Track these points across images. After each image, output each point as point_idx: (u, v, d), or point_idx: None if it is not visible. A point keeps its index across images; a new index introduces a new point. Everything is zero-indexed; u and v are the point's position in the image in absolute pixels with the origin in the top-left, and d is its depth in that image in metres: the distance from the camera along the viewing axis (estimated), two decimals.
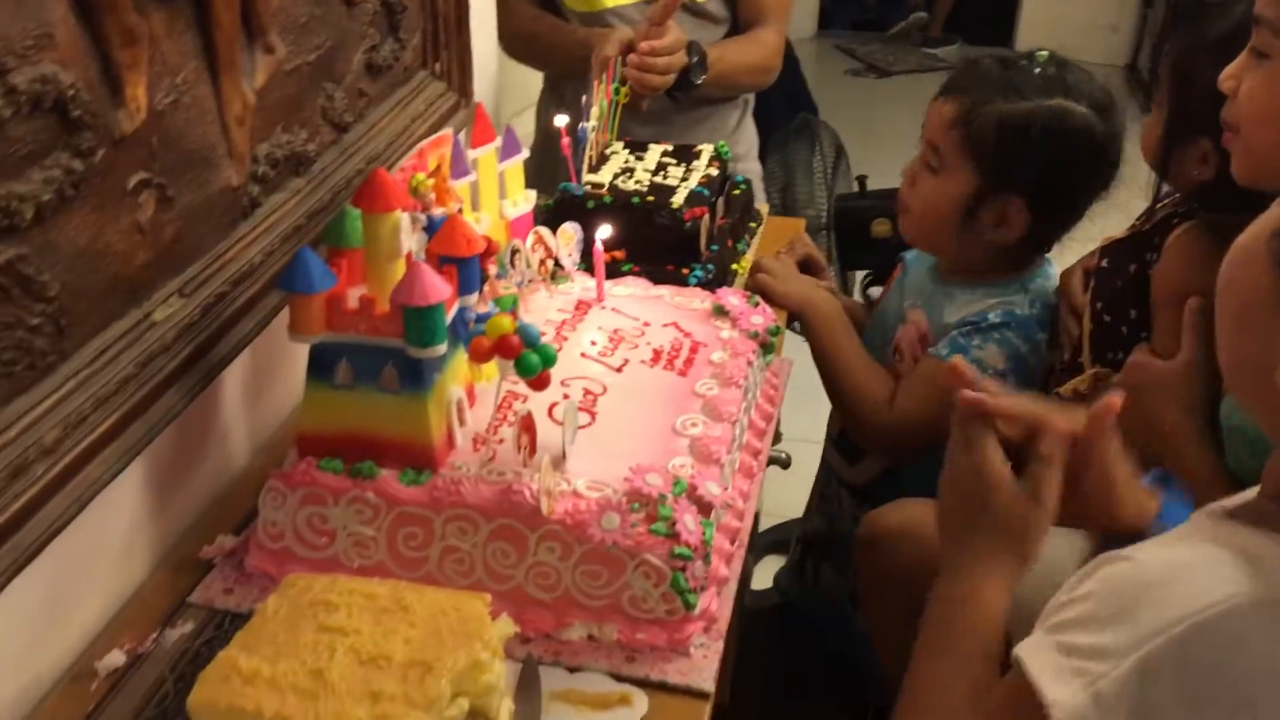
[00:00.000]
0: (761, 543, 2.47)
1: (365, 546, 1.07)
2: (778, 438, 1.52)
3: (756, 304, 1.39)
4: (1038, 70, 1.46)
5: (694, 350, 1.29)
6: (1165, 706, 0.64)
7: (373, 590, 0.94)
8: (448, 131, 1.29)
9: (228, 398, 1.21)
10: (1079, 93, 1.45)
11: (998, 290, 1.52)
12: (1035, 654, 0.73)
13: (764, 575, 2.40)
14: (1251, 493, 0.76)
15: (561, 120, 1.56)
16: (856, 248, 2.41)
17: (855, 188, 2.78)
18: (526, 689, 0.98)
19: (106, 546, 1.05)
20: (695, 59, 1.84)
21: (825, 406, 1.72)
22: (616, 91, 1.75)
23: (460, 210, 1.21)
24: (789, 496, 2.41)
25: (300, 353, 1.09)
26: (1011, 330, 1.49)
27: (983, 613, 0.91)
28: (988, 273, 1.54)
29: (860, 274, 2.44)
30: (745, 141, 2.15)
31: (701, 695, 1.00)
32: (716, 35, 1.99)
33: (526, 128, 2.14)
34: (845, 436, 1.72)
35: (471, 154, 1.30)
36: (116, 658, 1.00)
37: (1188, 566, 0.67)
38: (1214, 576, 0.65)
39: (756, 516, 1.43)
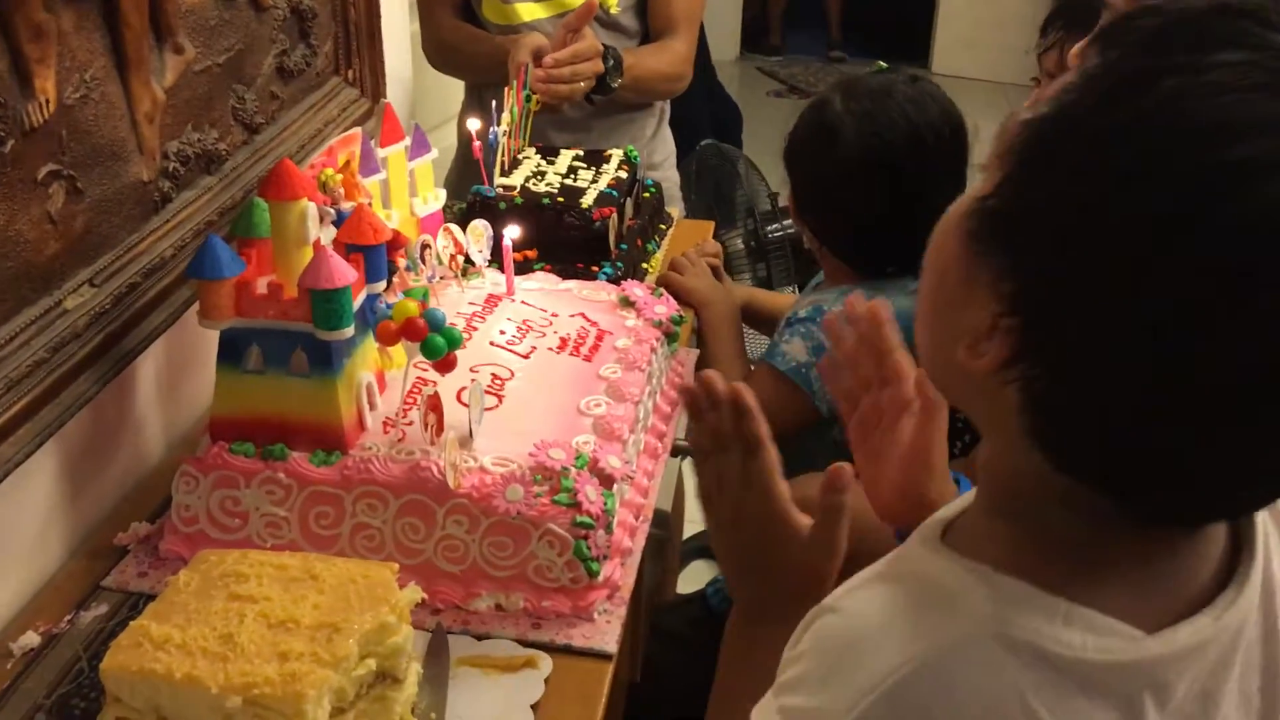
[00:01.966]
0: (687, 549, 2.51)
1: (278, 527, 1.10)
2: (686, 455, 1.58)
3: (660, 295, 1.44)
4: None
5: (600, 338, 1.34)
6: None
7: (283, 561, 0.97)
8: (357, 130, 1.33)
9: (142, 390, 1.23)
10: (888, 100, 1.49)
11: (823, 294, 1.57)
12: (759, 715, 0.68)
13: (692, 581, 2.44)
14: (970, 498, 0.71)
15: (474, 125, 1.61)
16: (791, 273, 2.46)
17: (767, 206, 2.86)
18: (435, 655, 1.02)
19: (21, 532, 1.07)
20: (611, 63, 1.90)
21: None
22: (528, 99, 1.80)
23: (369, 204, 1.25)
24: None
25: (211, 351, 1.12)
26: (816, 322, 1.48)
27: (762, 664, 0.76)
28: (837, 279, 1.58)
29: None
30: (662, 150, 2.21)
31: (604, 657, 1.04)
32: (615, 43, 2.06)
33: (451, 139, 2.18)
34: None
35: (381, 152, 1.35)
36: (31, 638, 1.02)
37: (889, 618, 0.64)
38: (915, 626, 0.63)
39: (682, 523, 1.48)
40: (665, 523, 1.31)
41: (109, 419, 1.17)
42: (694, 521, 2.63)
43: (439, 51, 2.10)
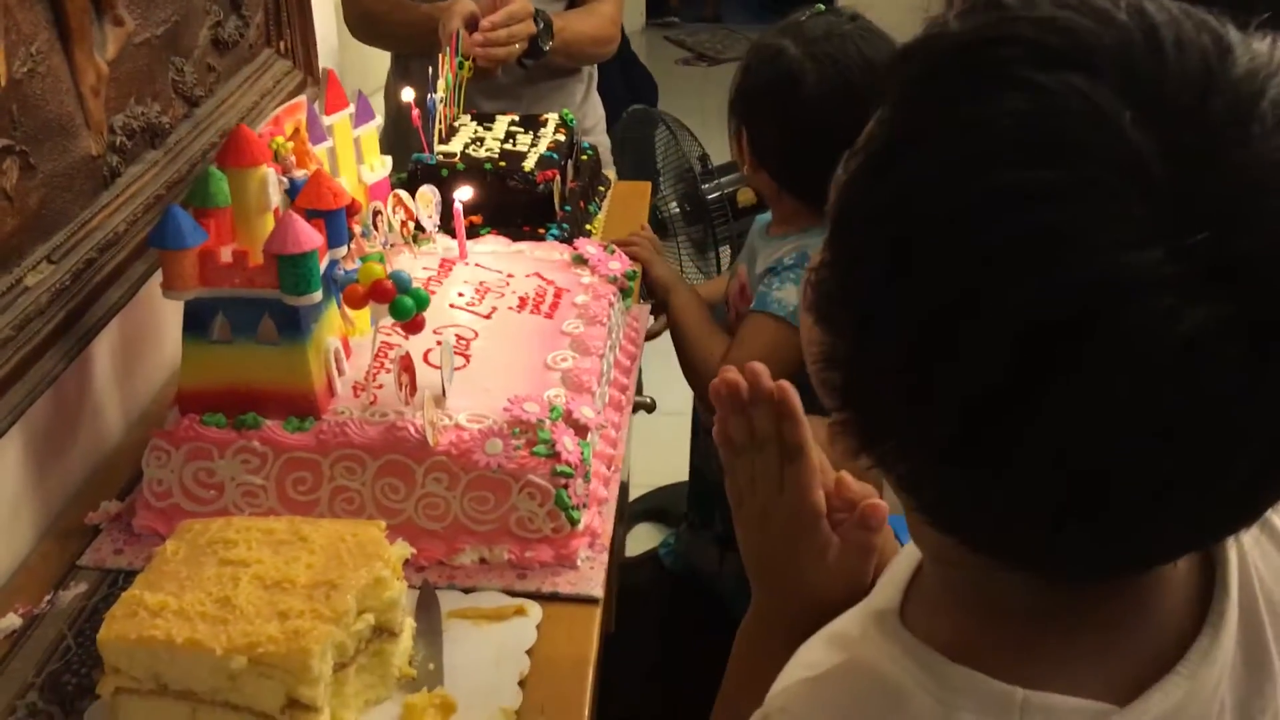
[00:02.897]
0: (632, 511, 2.54)
1: (254, 495, 1.10)
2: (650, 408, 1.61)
3: (613, 251, 1.46)
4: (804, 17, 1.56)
5: (558, 295, 1.35)
6: None
7: (269, 525, 0.97)
8: (301, 98, 1.32)
9: (100, 367, 1.22)
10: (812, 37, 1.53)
11: (798, 237, 1.60)
12: None
13: (638, 543, 2.47)
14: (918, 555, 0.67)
15: (409, 94, 1.60)
16: (711, 221, 2.48)
17: (699, 167, 2.88)
18: (426, 609, 1.03)
19: None
20: (542, 26, 1.91)
21: None
22: (461, 65, 1.79)
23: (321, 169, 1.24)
24: (659, 464, 2.50)
25: (169, 324, 1.11)
26: (804, 268, 1.56)
27: (765, 674, 0.74)
28: (797, 221, 1.61)
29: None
30: (593, 115, 2.23)
31: (591, 601, 1.06)
32: (557, 10, 2.06)
33: (376, 108, 2.16)
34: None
35: (326, 120, 1.34)
36: (12, 620, 1.01)
37: (829, 700, 0.63)
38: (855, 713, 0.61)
39: (627, 487, 1.50)
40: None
41: (70, 398, 1.16)
42: (639, 485, 2.67)
43: (363, 22, 2.08)
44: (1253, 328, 0.46)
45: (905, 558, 0.69)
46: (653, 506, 2.71)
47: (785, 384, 0.81)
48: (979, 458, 0.51)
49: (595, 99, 2.24)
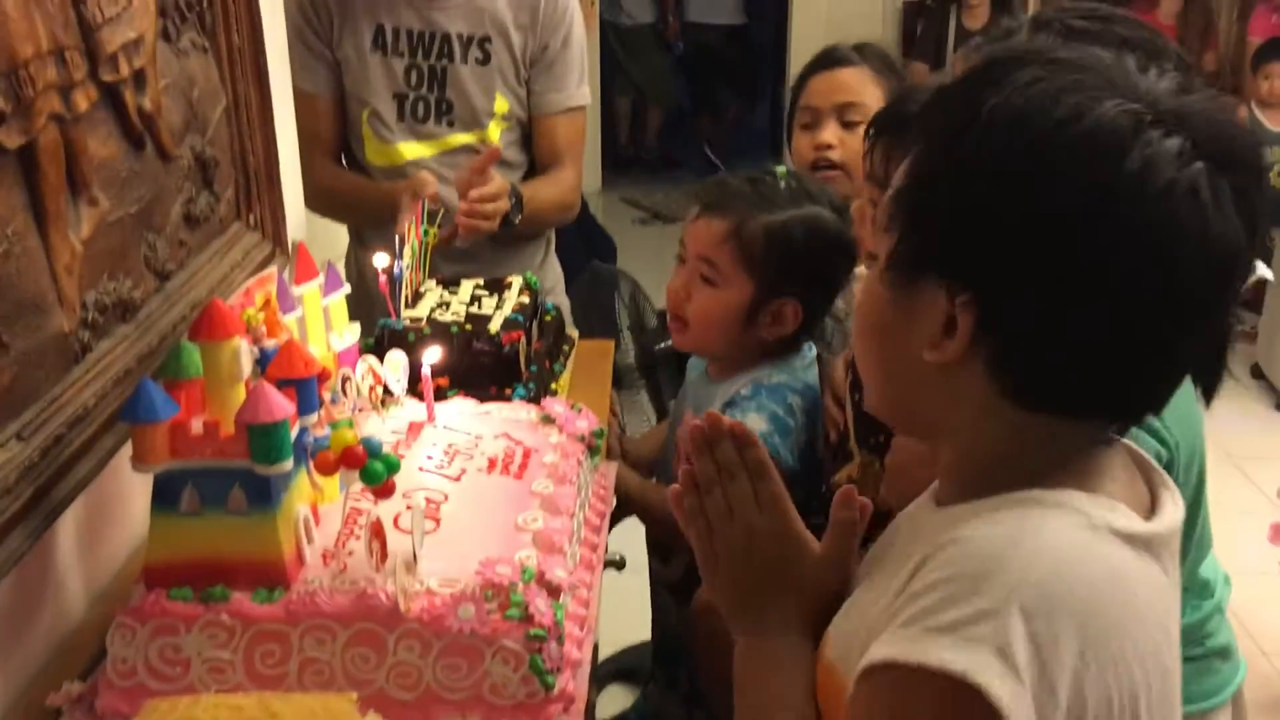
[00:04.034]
0: (603, 672, 2.50)
1: (222, 671, 1.08)
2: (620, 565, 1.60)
3: (579, 410, 1.48)
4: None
5: (526, 455, 1.36)
6: (1059, 638, 0.73)
7: (237, 703, 0.96)
8: (272, 270, 1.35)
9: (64, 546, 1.20)
10: (820, 199, 1.62)
11: (747, 373, 1.64)
12: (911, 647, 0.74)
13: (609, 705, 2.42)
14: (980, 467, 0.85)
15: (382, 260, 1.64)
16: (679, 383, 2.53)
17: (656, 322, 2.95)
18: None
19: None
20: (514, 200, 1.98)
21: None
22: (426, 233, 1.84)
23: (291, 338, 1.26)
24: (629, 621, 2.47)
25: (135, 498, 1.10)
26: (764, 396, 1.59)
27: (791, 675, 0.90)
28: (753, 365, 1.66)
29: None
30: (551, 276, 2.28)
31: None
32: (514, 179, 2.13)
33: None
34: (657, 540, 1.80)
35: (296, 290, 1.36)
36: None
37: (1010, 531, 0.77)
38: (1035, 533, 0.77)
39: (596, 648, 1.49)
40: None
41: (33, 576, 1.14)
42: (608, 644, 2.63)
43: (320, 198, 2.14)
44: (1200, 153, 0.76)
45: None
46: (624, 666, 2.67)
47: (739, 421, 0.97)
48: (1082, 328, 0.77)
49: (553, 260, 2.30)
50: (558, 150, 2.16)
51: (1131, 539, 0.79)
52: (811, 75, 2.02)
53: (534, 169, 2.19)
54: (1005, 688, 0.71)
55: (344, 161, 2.17)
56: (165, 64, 1.37)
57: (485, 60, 2.08)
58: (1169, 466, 1.23)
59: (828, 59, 2.01)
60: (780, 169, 1.65)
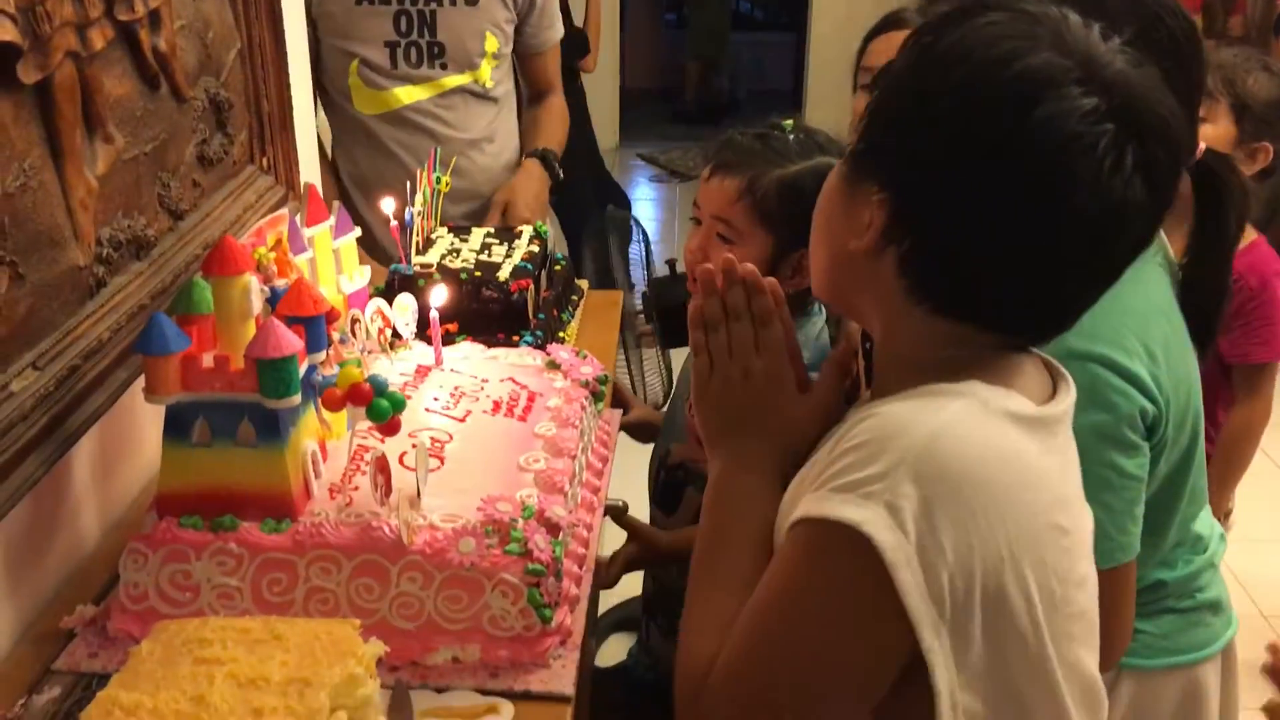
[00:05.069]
0: (605, 623, 2.53)
1: (230, 597, 1.11)
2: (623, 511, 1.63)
3: (585, 356, 1.50)
4: (791, 137, 1.62)
5: (531, 399, 1.39)
6: (945, 497, 0.84)
7: (245, 625, 0.99)
8: (283, 211, 1.37)
9: (79, 475, 1.24)
10: (831, 149, 1.62)
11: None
12: (819, 504, 0.86)
13: (611, 654, 2.46)
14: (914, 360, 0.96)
15: (388, 206, 1.66)
16: (676, 327, 2.56)
17: (667, 272, 2.98)
18: (398, 709, 1.04)
19: None
20: (550, 161, 2.26)
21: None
22: (438, 180, 1.86)
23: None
24: (629, 575, 2.50)
25: (148, 431, 1.13)
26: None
27: (755, 508, 1.00)
28: None
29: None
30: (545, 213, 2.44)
31: (563, 700, 1.07)
32: (493, 111, 2.27)
33: None
34: (662, 491, 1.82)
35: (307, 232, 1.39)
36: None
37: (914, 409, 0.89)
38: (934, 410, 0.88)
39: (597, 600, 1.52)
40: None
41: (47, 503, 1.17)
42: (610, 595, 2.66)
43: None
44: (1113, 116, 0.84)
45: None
46: (625, 616, 2.70)
47: (752, 267, 1.05)
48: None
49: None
50: (549, 79, 2.37)
51: (1021, 419, 0.90)
52: (874, 37, 2.02)
53: (519, 99, 2.38)
54: (890, 538, 0.83)
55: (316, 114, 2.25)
56: (180, 5, 1.38)
57: (473, 1, 2.13)
58: (1157, 423, 1.24)
59: (889, 22, 2.01)
60: (788, 122, 1.65)
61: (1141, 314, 1.26)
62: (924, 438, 0.85)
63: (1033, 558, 0.88)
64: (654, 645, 2.02)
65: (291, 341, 1.08)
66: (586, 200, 2.89)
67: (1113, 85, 0.85)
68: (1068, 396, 0.97)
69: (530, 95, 2.44)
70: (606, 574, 1.59)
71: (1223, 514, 2.23)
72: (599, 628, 2.49)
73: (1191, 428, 1.33)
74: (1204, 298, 1.42)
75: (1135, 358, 1.22)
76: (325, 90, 2.21)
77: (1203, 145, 1.36)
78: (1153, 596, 1.39)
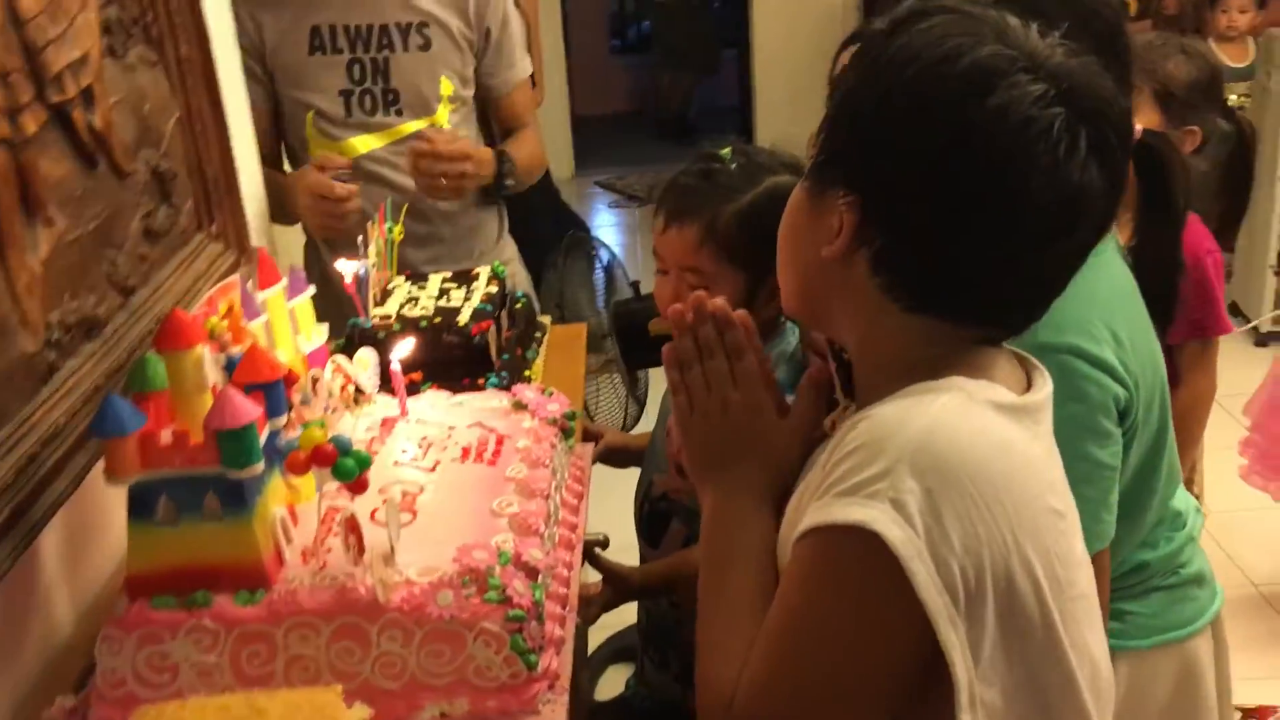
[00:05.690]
0: (601, 655, 2.52)
1: (209, 674, 1.09)
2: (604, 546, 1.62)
3: (550, 394, 1.49)
4: (734, 165, 1.57)
5: (500, 442, 1.38)
6: (946, 487, 0.86)
7: (224, 703, 0.98)
8: (234, 277, 1.36)
9: (47, 564, 1.22)
10: (772, 167, 1.58)
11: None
12: (825, 512, 0.88)
13: (611, 684, 2.44)
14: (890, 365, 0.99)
15: (344, 266, 1.65)
16: (639, 347, 2.56)
17: (630, 294, 2.99)
18: None
19: None
20: (507, 165, 2.16)
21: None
22: (390, 230, 1.85)
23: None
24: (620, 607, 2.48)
25: (115, 512, 1.11)
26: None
27: (753, 528, 1.02)
28: None
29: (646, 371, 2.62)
30: (509, 249, 2.39)
31: None
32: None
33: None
34: (648, 524, 1.80)
35: (260, 295, 1.38)
36: None
37: (906, 409, 0.91)
38: (925, 408, 0.90)
39: (585, 637, 1.51)
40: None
41: (18, 595, 1.16)
42: (604, 626, 2.65)
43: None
44: (1062, 100, 0.88)
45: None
46: (622, 646, 2.69)
47: (722, 302, 1.08)
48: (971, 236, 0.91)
49: (508, 234, 2.40)
50: (519, 116, 2.30)
51: (1004, 408, 0.93)
52: (844, 50, 2.04)
53: (490, 142, 2.31)
54: (899, 534, 0.85)
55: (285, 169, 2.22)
56: (113, 80, 1.37)
57: (426, 46, 2.13)
58: (1130, 406, 1.25)
59: (860, 35, 2.03)
60: (725, 151, 1.61)
61: (1105, 299, 1.26)
62: (919, 432, 0.88)
63: (1035, 542, 0.90)
64: (650, 677, 2.01)
65: (249, 409, 1.07)
66: (546, 236, 2.90)
67: (1057, 73, 0.90)
68: (1045, 386, 1.00)
69: (502, 134, 2.40)
70: (583, 616, 1.58)
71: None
72: (595, 660, 2.47)
73: (1160, 407, 1.34)
74: (1158, 277, 1.43)
75: (1104, 344, 1.23)
76: (290, 144, 2.20)
77: (1139, 127, 1.37)
78: (1139, 578, 1.40)
